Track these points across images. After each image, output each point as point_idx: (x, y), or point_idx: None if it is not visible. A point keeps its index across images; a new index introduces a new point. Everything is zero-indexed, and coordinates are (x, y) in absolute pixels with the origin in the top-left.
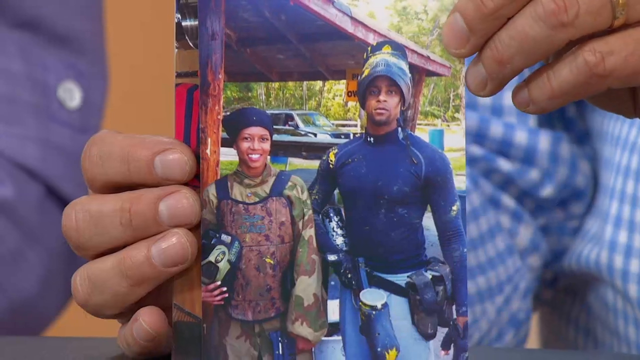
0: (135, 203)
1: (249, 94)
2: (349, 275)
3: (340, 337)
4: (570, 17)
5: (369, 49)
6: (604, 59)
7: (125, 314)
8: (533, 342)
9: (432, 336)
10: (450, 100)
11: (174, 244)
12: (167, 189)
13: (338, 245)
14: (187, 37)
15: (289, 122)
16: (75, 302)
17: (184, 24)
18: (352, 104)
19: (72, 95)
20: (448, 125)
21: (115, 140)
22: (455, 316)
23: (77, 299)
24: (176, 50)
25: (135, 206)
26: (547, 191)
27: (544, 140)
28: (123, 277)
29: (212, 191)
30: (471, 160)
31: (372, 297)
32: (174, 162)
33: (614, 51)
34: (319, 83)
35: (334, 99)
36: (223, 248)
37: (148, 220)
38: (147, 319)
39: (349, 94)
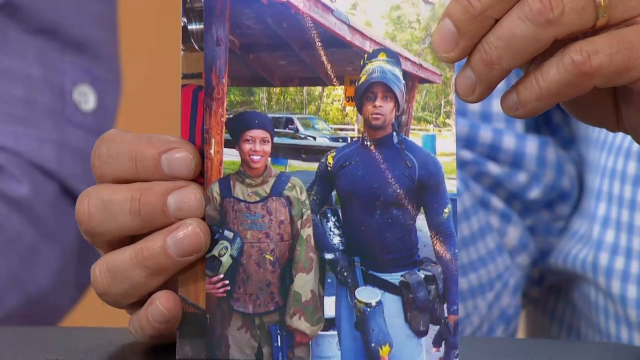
0: (145, 194)
1: (252, 98)
2: (345, 274)
3: (336, 332)
4: (556, 14)
5: (366, 56)
6: (590, 57)
7: (137, 304)
8: (520, 337)
9: (424, 333)
10: (442, 107)
11: (189, 234)
12: (176, 183)
13: (335, 244)
14: (192, 40)
15: (289, 126)
16: (87, 296)
17: (189, 27)
18: (350, 108)
19: (87, 98)
20: (440, 131)
21: (123, 139)
22: (446, 314)
23: (97, 289)
24: (182, 52)
25: (144, 197)
26: (534, 193)
27: (531, 145)
28: (141, 267)
29: (215, 189)
30: (462, 164)
31: (367, 294)
32: (180, 160)
33: (599, 50)
34: (319, 88)
35: (332, 103)
36: (226, 243)
37: (156, 211)
38: (163, 302)
39: (347, 99)
